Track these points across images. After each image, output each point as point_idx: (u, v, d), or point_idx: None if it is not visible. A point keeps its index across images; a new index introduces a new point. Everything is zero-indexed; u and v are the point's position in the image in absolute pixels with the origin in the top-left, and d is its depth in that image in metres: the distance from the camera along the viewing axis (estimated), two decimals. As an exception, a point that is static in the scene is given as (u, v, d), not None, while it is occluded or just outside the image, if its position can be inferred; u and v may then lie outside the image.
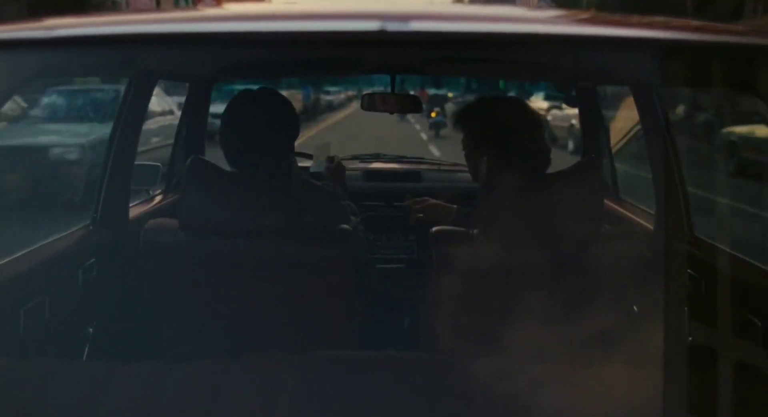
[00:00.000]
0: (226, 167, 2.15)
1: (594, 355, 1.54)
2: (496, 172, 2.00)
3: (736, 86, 1.51)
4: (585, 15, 2.40)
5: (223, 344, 1.97)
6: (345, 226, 2.16)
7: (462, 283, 1.87)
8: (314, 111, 26.89)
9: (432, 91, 25.34)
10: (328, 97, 35.73)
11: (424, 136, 18.73)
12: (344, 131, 18.65)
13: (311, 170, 2.98)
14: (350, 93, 40.19)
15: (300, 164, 2.68)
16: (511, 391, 1.27)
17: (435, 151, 14.19)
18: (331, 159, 2.93)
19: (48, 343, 1.95)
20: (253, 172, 2.10)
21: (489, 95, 2.47)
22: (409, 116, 26.27)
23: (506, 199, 1.96)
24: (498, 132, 2.17)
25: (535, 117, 2.26)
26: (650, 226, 2.48)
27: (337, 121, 26.00)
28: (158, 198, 2.97)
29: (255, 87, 2.23)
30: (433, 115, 19.60)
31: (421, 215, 2.77)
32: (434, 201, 2.81)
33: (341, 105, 38.41)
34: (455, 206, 2.71)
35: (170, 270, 2.10)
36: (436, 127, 19.04)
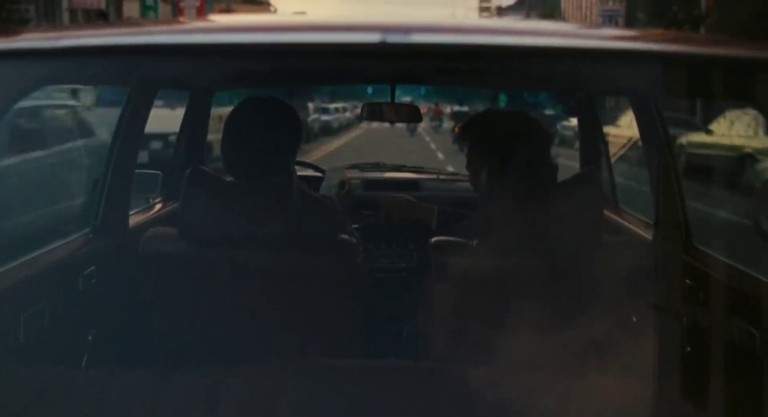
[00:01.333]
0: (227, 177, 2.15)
1: (593, 364, 1.54)
2: (497, 182, 2.01)
3: (735, 98, 1.52)
4: (584, 28, 2.42)
5: (223, 353, 1.97)
6: (344, 235, 2.16)
7: (461, 292, 1.87)
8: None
9: (456, 108, 25.40)
10: (325, 117, 26.18)
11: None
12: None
13: (320, 191, 2.97)
14: (359, 111, 33.71)
15: (299, 173, 2.68)
16: (510, 400, 1.27)
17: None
18: (342, 184, 2.92)
19: (47, 351, 1.95)
20: (252, 182, 2.10)
21: (494, 108, 2.49)
22: (425, 136, 25.24)
23: (506, 209, 1.96)
24: (500, 143, 2.18)
25: (540, 130, 2.27)
26: (649, 237, 2.49)
27: (329, 152, 20.26)
28: (158, 206, 2.98)
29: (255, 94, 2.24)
30: (456, 130, 20.56)
31: (399, 213, 2.81)
32: (410, 199, 2.84)
33: (345, 127, 29.79)
34: (435, 206, 2.74)
35: (169, 279, 2.10)
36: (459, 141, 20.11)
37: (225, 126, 2.11)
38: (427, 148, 22.00)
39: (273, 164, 2.11)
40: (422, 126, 28.93)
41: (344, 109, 30.08)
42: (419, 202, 2.84)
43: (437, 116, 29.22)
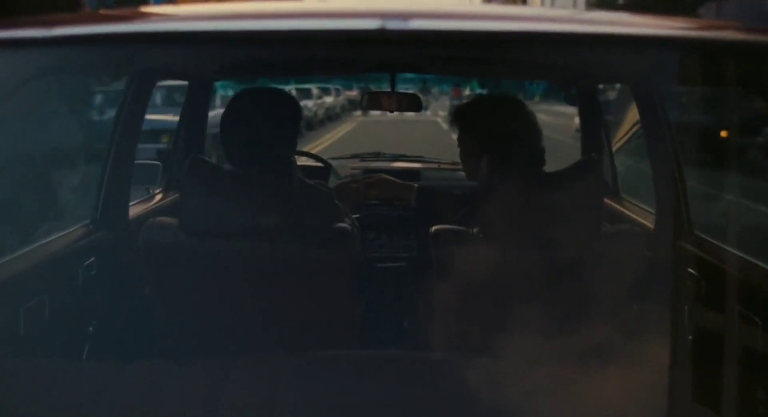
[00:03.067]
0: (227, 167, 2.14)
1: (594, 353, 1.54)
2: (496, 171, 2.00)
3: (739, 84, 1.51)
4: (586, 14, 2.40)
5: (223, 343, 1.97)
6: (343, 224, 2.16)
7: (462, 282, 1.87)
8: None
9: (477, 91, 24.74)
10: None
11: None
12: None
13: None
14: (352, 93, 22.55)
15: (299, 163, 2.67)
16: (511, 390, 1.27)
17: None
18: (353, 183, 2.89)
19: (48, 343, 1.94)
20: (252, 171, 2.10)
21: (487, 94, 2.47)
22: (441, 123, 22.73)
23: (506, 198, 1.95)
24: (497, 131, 2.16)
25: (532, 117, 2.26)
26: (651, 225, 2.48)
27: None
28: (158, 197, 2.97)
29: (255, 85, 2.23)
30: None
31: (376, 192, 2.79)
32: (387, 176, 2.83)
33: (328, 119, 21.13)
34: (415, 184, 2.72)
35: (170, 269, 2.10)
36: None
37: (224, 116, 2.11)
38: (440, 129, 19.18)
39: (274, 154, 2.11)
40: (441, 114, 25.80)
41: (324, 92, 20.96)
42: (396, 180, 2.81)
43: (457, 97, 28.98)
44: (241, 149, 2.10)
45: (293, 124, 2.20)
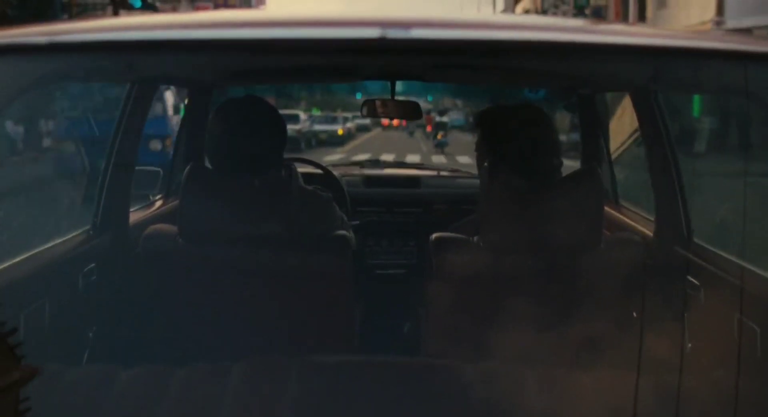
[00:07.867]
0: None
1: (593, 361, 1.54)
2: (497, 179, 2.00)
3: (733, 92, 1.52)
4: (585, 23, 2.40)
5: (223, 350, 1.97)
6: (342, 231, 2.16)
7: (462, 289, 1.87)
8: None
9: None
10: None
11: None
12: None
13: None
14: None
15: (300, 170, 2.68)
16: (510, 396, 1.27)
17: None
18: None
19: (48, 348, 1.94)
20: (251, 178, 2.10)
21: (508, 102, 2.41)
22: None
23: (506, 205, 1.96)
24: (505, 138, 2.14)
25: (549, 127, 2.19)
26: (650, 233, 2.48)
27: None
28: (158, 203, 2.98)
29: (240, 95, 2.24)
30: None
31: None
32: None
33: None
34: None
35: (169, 276, 2.10)
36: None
37: (207, 126, 2.13)
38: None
39: (260, 161, 2.11)
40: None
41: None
42: None
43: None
44: (223, 159, 2.11)
45: (278, 130, 2.19)
